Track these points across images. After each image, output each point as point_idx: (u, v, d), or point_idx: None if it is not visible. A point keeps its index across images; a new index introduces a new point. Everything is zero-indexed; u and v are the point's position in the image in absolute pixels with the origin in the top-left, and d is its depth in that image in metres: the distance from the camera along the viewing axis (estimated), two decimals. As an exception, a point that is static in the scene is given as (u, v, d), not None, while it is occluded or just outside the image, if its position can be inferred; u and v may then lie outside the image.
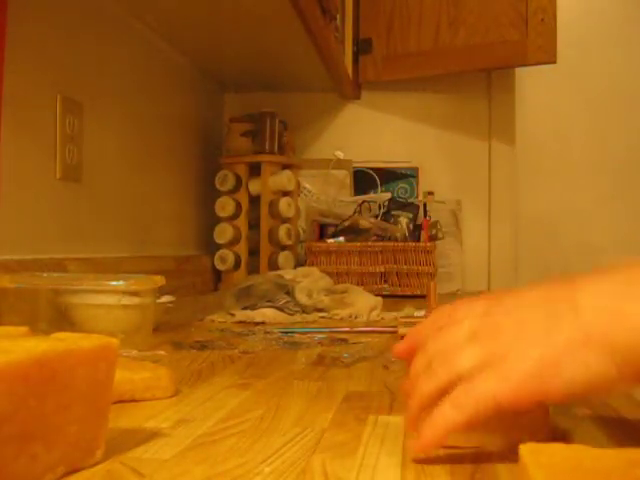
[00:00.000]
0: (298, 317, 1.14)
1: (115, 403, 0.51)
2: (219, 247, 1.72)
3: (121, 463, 0.39)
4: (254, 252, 1.73)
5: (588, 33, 2.19)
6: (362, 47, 1.91)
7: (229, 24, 1.40)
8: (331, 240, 1.70)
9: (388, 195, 1.88)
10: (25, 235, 1.01)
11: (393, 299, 1.52)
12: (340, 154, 1.89)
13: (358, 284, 1.50)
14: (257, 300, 1.17)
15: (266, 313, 1.12)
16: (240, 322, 1.09)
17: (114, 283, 0.80)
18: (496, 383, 0.36)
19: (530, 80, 2.12)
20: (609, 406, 0.53)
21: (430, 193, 1.90)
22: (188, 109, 1.74)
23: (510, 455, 0.40)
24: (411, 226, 1.75)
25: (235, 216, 1.72)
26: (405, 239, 1.69)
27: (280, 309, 1.15)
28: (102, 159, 1.25)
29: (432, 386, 0.39)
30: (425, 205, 1.83)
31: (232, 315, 1.13)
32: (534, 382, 0.36)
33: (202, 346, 0.83)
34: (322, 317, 1.17)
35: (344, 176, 1.96)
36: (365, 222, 1.73)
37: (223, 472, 0.37)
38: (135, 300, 0.81)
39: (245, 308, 1.16)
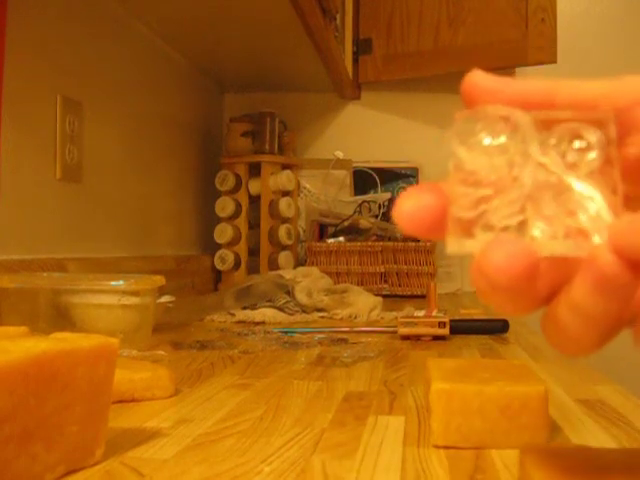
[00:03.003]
0: (298, 317, 1.14)
1: (115, 403, 0.51)
2: (219, 247, 1.72)
3: (121, 463, 0.39)
4: (254, 252, 1.73)
5: (588, 33, 2.19)
6: (362, 47, 1.91)
7: (229, 24, 1.40)
8: (331, 240, 1.70)
9: (388, 195, 1.88)
10: (25, 235, 1.01)
11: (393, 299, 1.52)
12: (340, 154, 1.89)
13: (358, 284, 1.50)
14: (257, 300, 1.17)
15: (266, 313, 1.12)
16: (240, 322, 1.09)
17: (114, 283, 0.80)
18: None
19: (530, 80, 2.12)
20: (609, 406, 0.53)
21: (430, 193, 1.90)
22: (188, 109, 1.74)
23: (510, 455, 0.40)
24: (411, 226, 1.74)
25: (235, 216, 1.72)
26: (405, 239, 1.69)
27: (280, 309, 1.15)
28: (102, 159, 1.25)
29: None
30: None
31: (232, 315, 1.13)
32: None
33: (202, 346, 0.83)
34: (322, 317, 1.17)
35: (344, 176, 1.96)
36: (365, 222, 1.73)
37: (223, 472, 0.37)
38: (135, 300, 0.81)
39: (245, 308, 1.16)
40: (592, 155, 0.23)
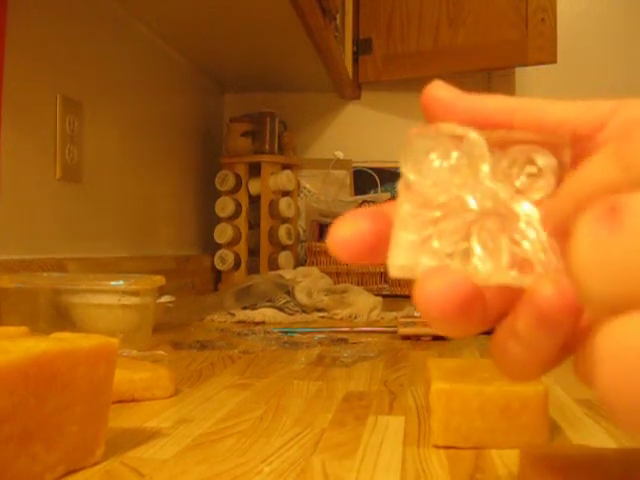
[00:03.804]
0: (298, 317, 1.14)
1: (115, 403, 0.51)
2: (219, 247, 1.72)
3: (121, 463, 0.39)
4: (254, 252, 1.73)
5: (588, 33, 2.19)
6: (362, 47, 1.91)
7: (229, 24, 1.40)
8: (331, 240, 1.70)
9: (388, 195, 1.88)
10: (25, 235, 1.01)
11: (393, 299, 1.52)
12: (340, 154, 1.89)
13: (358, 284, 1.50)
14: (257, 300, 1.17)
15: (266, 313, 1.12)
16: (240, 322, 1.09)
17: (114, 283, 0.80)
18: None
19: (530, 80, 2.12)
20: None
21: (430, 193, 1.90)
22: (188, 109, 1.74)
23: (510, 455, 0.40)
24: (411, 226, 1.74)
25: (235, 216, 1.72)
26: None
27: (280, 309, 1.15)
28: (102, 159, 1.25)
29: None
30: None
31: (232, 315, 1.13)
32: None
33: (202, 346, 0.83)
34: (322, 317, 1.17)
35: (344, 176, 1.96)
36: (365, 222, 1.73)
37: (223, 472, 0.37)
38: (135, 300, 0.81)
39: (245, 308, 1.16)
40: (542, 182, 0.22)
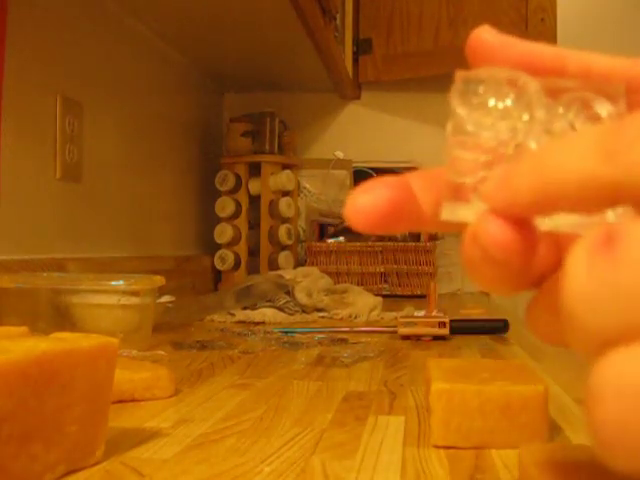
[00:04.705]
0: (298, 317, 1.14)
1: (115, 403, 0.51)
2: (219, 247, 1.72)
3: (121, 463, 0.39)
4: (254, 252, 1.73)
5: (588, 33, 2.19)
6: (362, 47, 1.91)
7: (229, 24, 1.40)
8: (331, 240, 1.70)
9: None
10: (25, 235, 1.01)
11: (393, 299, 1.52)
12: (340, 154, 1.89)
13: (358, 284, 1.50)
14: (257, 300, 1.17)
15: (266, 313, 1.12)
16: (240, 322, 1.09)
17: (114, 283, 0.80)
18: None
19: (530, 80, 2.12)
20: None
21: (430, 193, 1.90)
22: (188, 109, 1.74)
23: (510, 455, 0.40)
24: (411, 226, 1.74)
25: (235, 216, 1.72)
26: (405, 239, 1.69)
27: (280, 309, 1.15)
28: (102, 159, 1.25)
29: None
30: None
31: (232, 315, 1.13)
32: None
33: (202, 346, 0.83)
34: (322, 317, 1.17)
35: (344, 176, 1.96)
36: (365, 222, 1.73)
37: (223, 472, 0.37)
38: (135, 300, 0.81)
39: (245, 308, 1.16)
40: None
